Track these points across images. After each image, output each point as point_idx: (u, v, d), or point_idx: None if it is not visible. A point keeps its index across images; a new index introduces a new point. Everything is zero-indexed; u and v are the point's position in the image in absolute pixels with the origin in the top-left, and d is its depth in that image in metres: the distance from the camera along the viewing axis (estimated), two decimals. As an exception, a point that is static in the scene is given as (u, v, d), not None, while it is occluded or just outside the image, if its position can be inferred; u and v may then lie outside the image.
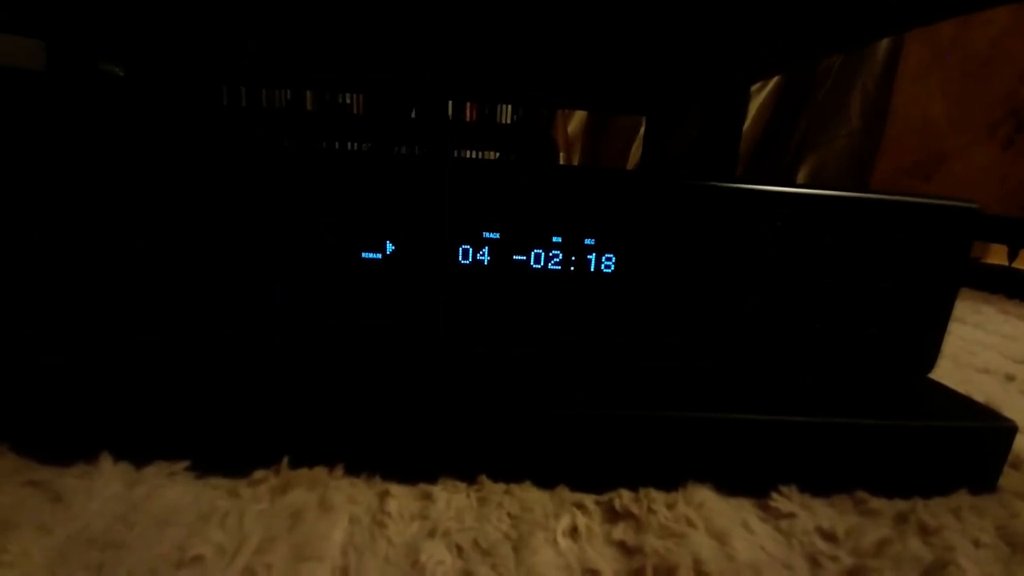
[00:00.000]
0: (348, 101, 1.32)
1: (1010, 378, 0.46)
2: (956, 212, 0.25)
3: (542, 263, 0.25)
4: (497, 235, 0.25)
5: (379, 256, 0.25)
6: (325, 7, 0.51)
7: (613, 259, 0.25)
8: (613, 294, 0.26)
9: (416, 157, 0.25)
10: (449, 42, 0.59)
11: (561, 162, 1.56)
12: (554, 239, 0.25)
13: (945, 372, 0.47)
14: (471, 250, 0.25)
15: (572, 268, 0.25)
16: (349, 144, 1.32)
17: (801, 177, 1.71)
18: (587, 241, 0.25)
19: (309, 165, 0.24)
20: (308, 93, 1.34)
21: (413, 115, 1.20)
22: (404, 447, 0.24)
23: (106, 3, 0.54)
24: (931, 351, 0.28)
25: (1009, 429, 0.26)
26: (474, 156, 1.33)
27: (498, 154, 1.29)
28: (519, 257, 0.25)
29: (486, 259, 0.25)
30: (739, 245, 0.25)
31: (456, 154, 1.29)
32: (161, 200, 0.24)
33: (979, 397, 0.42)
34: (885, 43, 1.20)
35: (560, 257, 0.25)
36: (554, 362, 0.27)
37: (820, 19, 0.36)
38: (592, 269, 0.25)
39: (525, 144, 1.16)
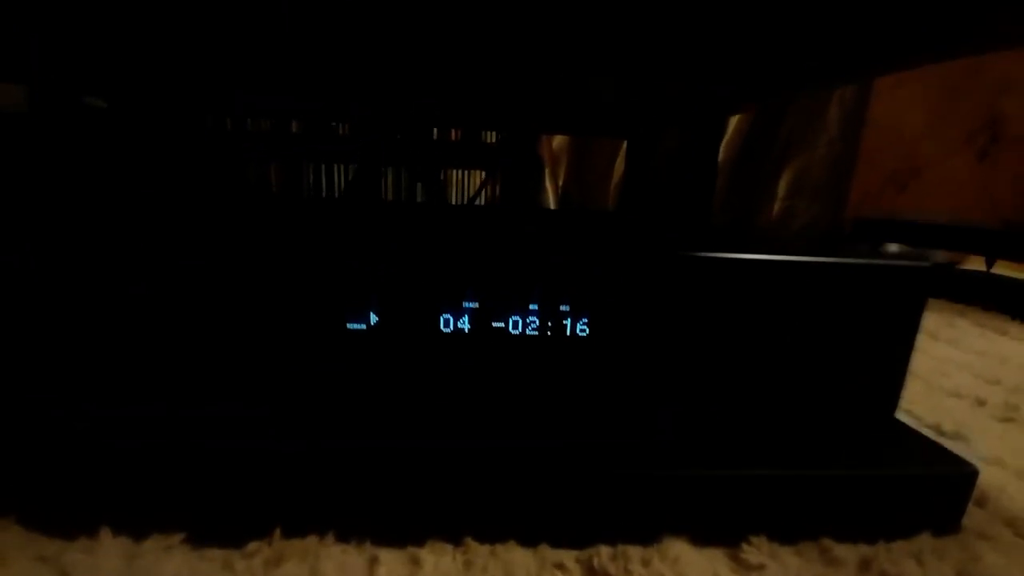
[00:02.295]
0: (334, 123, 1.32)
1: (980, 403, 0.48)
2: (911, 272, 0.27)
3: (520, 328, 0.27)
4: (476, 304, 0.26)
5: (364, 327, 0.26)
6: (311, 45, 0.52)
7: (587, 323, 0.27)
8: (589, 356, 0.27)
9: (398, 240, 0.26)
10: (434, 78, 0.60)
11: (547, 178, 1.58)
12: (531, 306, 0.26)
13: (916, 396, 0.49)
14: (452, 319, 0.26)
15: (549, 332, 0.27)
16: (335, 165, 1.33)
17: (783, 186, 1.73)
18: (562, 307, 0.26)
19: (296, 246, 0.25)
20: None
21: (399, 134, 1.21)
22: (393, 510, 0.25)
23: (88, 50, 0.56)
24: (893, 395, 0.30)
25: (969, 475, 0.27)
26: (460, 175, 1.34)
27: (484, 173, 1.30)
28: (498, 324, 0.26)
29: (467, 326, 0.26)
30: (707, 307, 0.27)
31: (443, 174, 1.30)
32: (146, 281, 0.25)
33: (948, 424, 0.44)
34: (861, 56, 1.22)
35: (537, 323, 0.26)
36: (534, 422, 0.28)
37: (791, 67, 0.38)
38: (568, 333, 0.27)
39: (511, 163, 1.18)
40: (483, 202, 1.31)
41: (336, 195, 1.31)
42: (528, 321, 0.26)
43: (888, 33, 0.32)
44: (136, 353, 0.26)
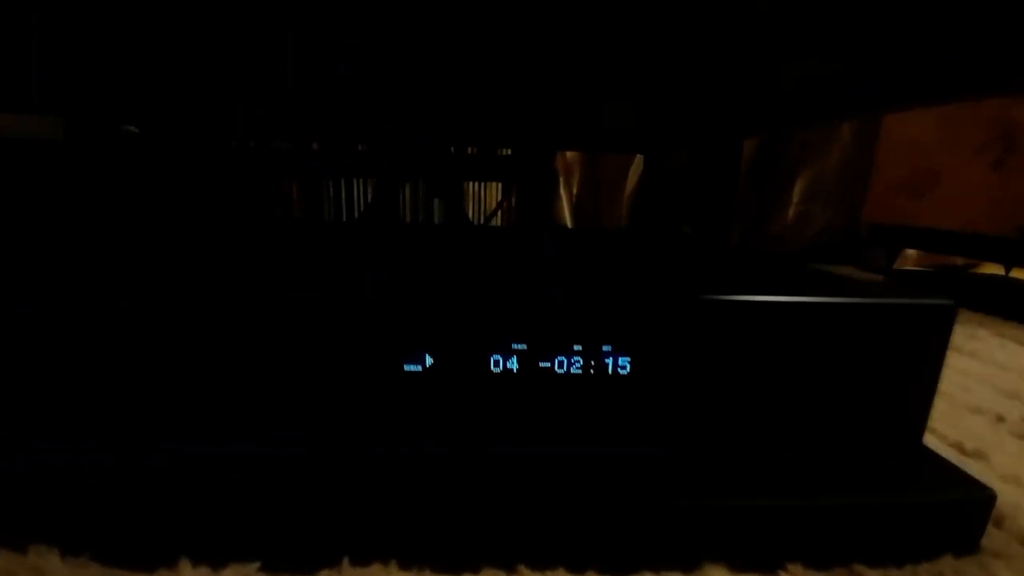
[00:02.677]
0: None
1: (1000, 419, 0.49)
2: (937, 309, 0.28)
3: (565, 368, 0.28)
4: (524, 346, 0.28)
5: (419, 368, 0.28)
6: (331, 83, 0.54)
7: (628, 361, 0.28)
8: (629, 393, 0.29)
9: (449, 291, 0.28)
10: (456, 103, 0.62)
11: (561, 187, 1.60)
12: (575, 347, 0.28)
13: (940, 414, 0.50)
14: (501, 359, 0.28)
15: (592, 371, 0.28)
16: (355, 180, 1.35)
17: (798, 191, 1.74)
18: (604, 347, 0.28)
19: (356, 300, 0.27)
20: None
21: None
22: (451, 540, 0.27)
23: (121, 87, 0.58)
24: (920, 424, 0.31)
25: (989, 499, 0.29)
26: (477, 187, 1.36)
27: (501, 185, 1.33)
28: (544, 363, 0.28)
29: (515, 367, 0.28)
30: (742, 344, 0.28)
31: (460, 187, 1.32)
32: (217, 336, 0.27)
33: (970, 442, 0.45)
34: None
35: (580, 362, 0.28)
36: (580, 454, 0.30)
37: (798, 104, 0.39)
38: (610, 371, 0.28)
39: (527, 176, 1.20)
40: (501, 215, 1.33)
41: (358, 209, 1.33)
42: (572, 361, 0.28)
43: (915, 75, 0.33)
44: (214, 391, 0.28)
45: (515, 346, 0.28)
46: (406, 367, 0.28)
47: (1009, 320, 0.85)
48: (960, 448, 0.43)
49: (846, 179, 1.65)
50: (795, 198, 1.74)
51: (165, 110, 0.72)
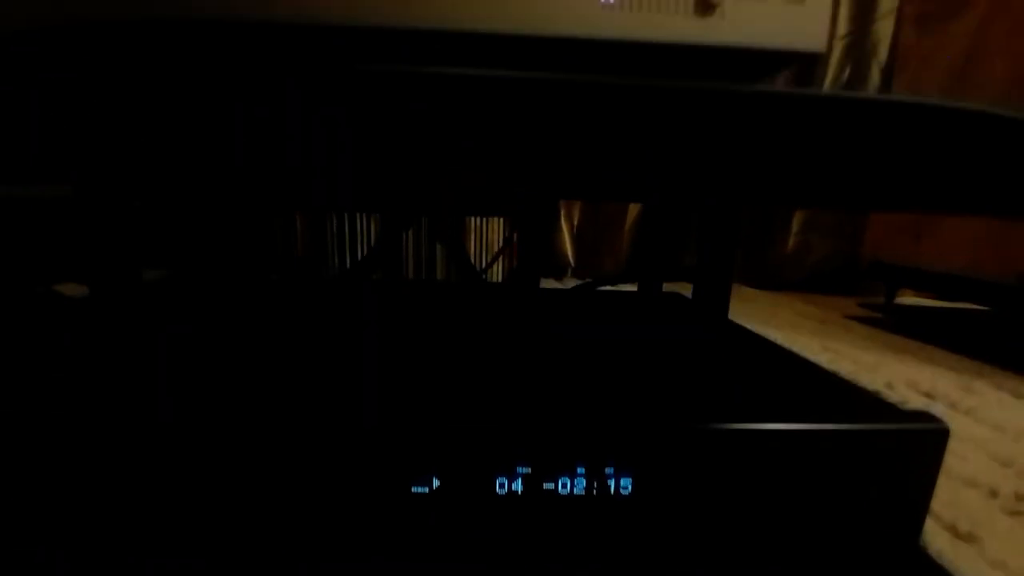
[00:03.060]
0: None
1: (993, 494, 0.50)
2: (929, 434, 0.30)
3: (568, 489, 0.29)
4: (528, 468, 0.29)
5: (426, 490, 0.29)
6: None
7: (630, 482, 0.29)
8: (631, 512, 0.30)
9: (456, 418, 0.29)
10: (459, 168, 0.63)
11: (562, 219, 1.61)
12: (578, 469, 0.29)
13: (937, 486, 0.51)
14: (507, 481, 0.29)
15: (595, 491, 0.29)
16: (357, 216, 1.37)
17: (797, 220, 1.75)
18: (607, 469, 0.29)
19: (365, 429, 0.28)
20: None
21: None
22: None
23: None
24: (916, 527, 0.32)
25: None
26: (479, 222, 1.38)
27: (502, 220, 1.34)
28: (548, 485, 0.29)
29: (519, 488, 0.29)
30: (743, 465, 0.29)
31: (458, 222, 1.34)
32: (223, 461, 0.28)
33: (963, 523, 0.46)
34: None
35: (583, 483, 0.29)
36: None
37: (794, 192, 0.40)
38: (612, 492, 0.29)
39: (530, 214, 1.21)
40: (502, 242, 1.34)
41: (361, 243, 1.35)
42: (575, 482, 0.29)
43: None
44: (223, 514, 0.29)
45: (520, 469, 0.29)
46: (413, 489, 0.29)
47: (1006, 369, 0.86)
48: (954, 530, 0.44)
49: (843, 221, 1.67)
50: (795, 228, 1.75)
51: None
